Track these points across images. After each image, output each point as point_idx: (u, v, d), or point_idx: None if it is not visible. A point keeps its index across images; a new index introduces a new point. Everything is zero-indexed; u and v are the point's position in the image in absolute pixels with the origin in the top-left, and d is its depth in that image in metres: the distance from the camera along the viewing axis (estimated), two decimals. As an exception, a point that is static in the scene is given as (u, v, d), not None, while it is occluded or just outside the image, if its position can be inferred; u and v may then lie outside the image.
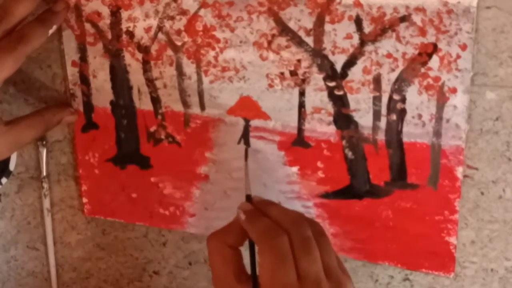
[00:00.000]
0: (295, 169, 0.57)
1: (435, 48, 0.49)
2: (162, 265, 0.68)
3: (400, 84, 0.51)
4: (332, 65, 0.53)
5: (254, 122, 0.57)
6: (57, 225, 0.70)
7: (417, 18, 0.49)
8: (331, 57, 0.52)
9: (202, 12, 0.55)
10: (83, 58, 0.61)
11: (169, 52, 0.57)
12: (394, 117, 0.52)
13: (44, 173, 0.67)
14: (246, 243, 0.51)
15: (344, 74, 0.53)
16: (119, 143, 0.63)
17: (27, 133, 0.59)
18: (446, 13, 0.48)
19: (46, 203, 0.68)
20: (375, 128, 0.53)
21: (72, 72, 0.62)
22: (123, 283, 0.71)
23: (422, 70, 0.50)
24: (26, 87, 0.65)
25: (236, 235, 0.51)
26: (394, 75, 0.51)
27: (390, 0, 0.49)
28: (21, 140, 0.59)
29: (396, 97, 0.52)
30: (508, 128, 0.51)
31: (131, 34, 0.58)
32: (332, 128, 0.55)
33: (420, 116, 0.52)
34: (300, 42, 0.53)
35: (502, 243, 0.54)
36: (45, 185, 0.68)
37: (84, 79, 0.61)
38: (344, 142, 0.55)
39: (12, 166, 0.65)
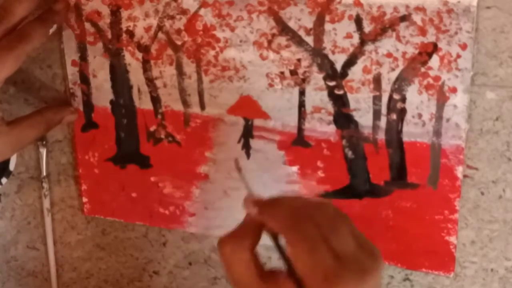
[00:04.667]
0: (295, 168, 0.57)
1: (435, 47, 0.49)
2: (162, 265, 0.68)
3: (400, 84, 0.51)
4: (332, 65, 0.53)
5: (254, 122, 0.57)
6: (57, 225, 0.70)
7: (417, 18, 0.49)
8: (331, 57, 0.52)
9: (202, 11, 0.55)
10: (83, 58, 0.61)
11: (169, 51, 0.57)
12: (394, 116, 0.52)
13: (44, 173, 0.67)
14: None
15: (344, 73, 0.53)
16: (119, 143, 0.63)
17: (29, 133, 0.59)
18: (446, 12, 0.48)
19: (46, 203, 0.68)
20: (375, 127, 0.53)
21: (72, 72, 0.62)
22: (123, 283, 0.70)
23: (422, 69, 0.50)
24: (26, 87, 0.65)
25: (252, 235, 0.47)
26: (394, 75, 0.51)
27: (390, 0, 0.49)
28: (23, 140, 0.59)
29: (396, 96, 0.52)
30: (508, 128, 0.51)
31: (131, 34, 0.58)
32: (332, 128, 0.55)
33: (420, 115, 0.52)
34: (300, 42, 0.53)
35: (502, 243, 0.54)
36: (45, 185, 0.68)
37: (84, 79, 0.62)
38: (344, 142, 0.55)
39: (12, 166, 0.65)
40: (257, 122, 0.57)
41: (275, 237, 0.47)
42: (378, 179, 0.55)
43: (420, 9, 0.49)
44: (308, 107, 0.55)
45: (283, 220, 0.46)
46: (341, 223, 0.46)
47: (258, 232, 0.47)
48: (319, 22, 0.52)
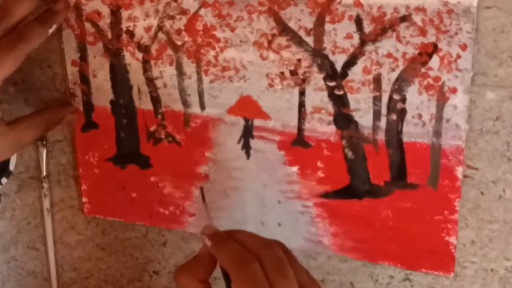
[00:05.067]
0: (295, 168, 0.57)
1: (435, 48, 0.49)
2: (162, 265, 0.68)
3: (400, 84, 0.51)
4: (332, 65, 0.53)
5: (254, 122, 0.57)
6: (57, 225, 0.70)
7: (417, 18, 0.49)
8: (331, 57, 0.52)
9: (202, 11, 0.55)
10: (83, 58, 0.61)
11: (169, 51, 0.57)
12: (394, 117, 0.52)
13: (44, 173, 0.67)
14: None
15: (344, 74, 0.53)
16: (119, 143, 0.63)
17: (29, 133, 0.59)
18: (446, 13, 0.48)
19: (46, 203, 0.68)
20: (375, 128, 0.53)
21: (72, 72, 0.62)
22: (123, 283, 0.71)
23: (422, 70, 0.50)
24: (26, 87, 0.65)
25: (205, 267, 0.49)
26: (394, 75, 0.51)
27: (391, 0, 0.49)
28: (23, 140, 0.59)
29: (396, 97, 0.52)
30: (508, 128, 0.50)
31: (131, 34, 0.58)
32: (332, 128, 0.55)
33: (420, 116, 0.52)
34: (300, 42, 0.53)
35: (502, 243, 0.54)
36: (45, 185, 0.68)
37: (84, 79, 0.62)
38: (344, 142, 0.55)
39: (12, 166, 0.65)
40: (257, 122, 0.57)
41: (226, 274, 0.48)
42: (378, 180, 0.55)
43: (420, 9, 0.49)
44: (308, 107, 0.55)
45: (231, 260, 0.47)
46: (288, 267, 0.47)
47: (213, 264, 0.49)
48: (319, 22, 0.52)
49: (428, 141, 0.52)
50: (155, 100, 0.60)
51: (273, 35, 0.54)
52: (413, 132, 0.52)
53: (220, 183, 0.60)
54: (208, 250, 0.49)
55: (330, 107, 0.54)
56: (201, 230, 0.51)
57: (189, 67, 0.57)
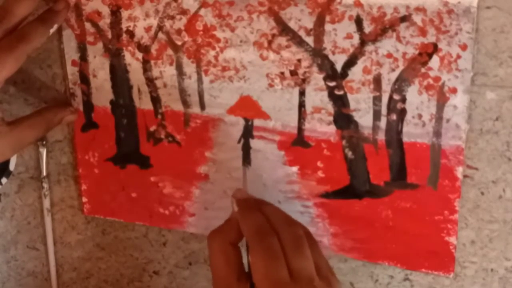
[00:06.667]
0: (295, 169, 0.57)
1: (435, 48, 0.49)
2: (162, 265, 0.68)
3: (400, 84, 0.51)
4: (332, 65, 0.53)
5: (254, 122, 0.57)
6: (57, 225, 0.70)
7: (417, 18, 0.49)
8: (331, 57, 0.53)
9: (202, 11, 0.55)
10: (83, 58, 0.61)
11: (169, 51, 0.57)
12: (394, 117, 0.52)
13: (44, 173, 0.67)
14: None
15: (344, 74, 0.53)
16: (119, 143, 0.63)
17: (29, 134, 0.59)
18: (446, 13, 0.48)
19: (46, 203, 0.68)
20: (375, 128, 0.53)
21: (72, 72, 0.62)
22: (123, 283, 0.71)
23: (422, 70, 0.50)
24: (26, 87, 0.65)
25: (236, 230, 0.51)
26: (394, 75, 0.51)
27: (391, 0, 0.49)
28: (23, 140, 0.59)
29: (396, 97, 0.52)
30: (508, 128, 0.51)
31: (131, 34, 0.58)
32: (332, 128, 0.55)
33: (420, 116, 0.52)
34: (300, 42, 0.53)
35: (502, 243, 0.54)
36: (45, 185, 0.68)
37: (84, 79, 0.62)
38: (344, 142, 0.55)
39: (12, 166, 0.65)
40: (257, 122, 0.57)
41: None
42: (378, 180, 0.55)
43: (420, 9, 0.49)
44: (308, 108, 0.55)
45: (252, 230, 0.49)
46: (306, 247, 0.49)
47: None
48: (319, 22, 0.52)
49: (428, 141, 0.52)
50: (155, 100, 0.60)
51: (273, 35, 0.54)
52: (413, 132, 0.52)
53: (220, 183, 0.60)
54: (234, 213, 0.52)
55: (330, 107, 0.54)
56: (233, 192, 0.53)
57: (189, 67, 0.57)
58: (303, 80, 0.54)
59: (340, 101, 0.54)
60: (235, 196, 0.53)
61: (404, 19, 0.49)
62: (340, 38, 0.52)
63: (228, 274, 0.50)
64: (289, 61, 0.54)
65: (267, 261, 0.47)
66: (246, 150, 0.58)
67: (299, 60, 0.54)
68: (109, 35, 0.59)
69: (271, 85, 0.55)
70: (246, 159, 0.58)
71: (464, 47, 0.49)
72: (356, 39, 0.51)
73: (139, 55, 0.59)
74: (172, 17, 0.56)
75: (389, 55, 0.51)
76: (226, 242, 0.51)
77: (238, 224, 0.51)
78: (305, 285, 0.47)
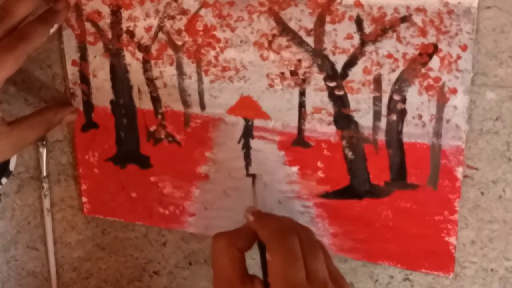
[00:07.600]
0: (295, 169, 0.57)
1: (435, 48, 0.49)
2: (162, 265, 0.68)
3: (400, 85, 0.51)
4: (332, 65, 0.53)
5: (254, 122, 0.57)
6: (57, 225, 0.70)
7: (417, 19, 0.49)
8: (331, 57, 0.53)
9: (202, 11, 0.55)
10: (83, 58, 0.61)
11: (170, 51, 0.57)
12: (394, 117, 0.52)
13: (44, 173, 0.67)
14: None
15: (344, 74, 0.53)
16: (119, 143, 0.63)
17: (29, 134, 0.59)
18: (446, 13, 0.48)
19: (46, 203, 0.68)
20: (375, 128, 0.53)
21: (72, 72, 0.62)
22: (123, 283, 0.71)
23: (423, 70, 0.50)
24: (26, 87, 0.65)
25: (246, 239, 0.51)
26: (394, 76, 0.51)
27: (391, 1, 0.49)
28: (24, 140, 0.59)
29: (396, 97, 0.52)
30: (508, 128, 0.51)
31: (131, 34, 0.58)
32: (332, 128, 0.55)
33: (420, 116, 0.52)
34: (300, 42, 0.53)
35: (502, 243, 0.54)
36: (45, 185, 0.68)
37: (84, 79, 0.62)
38: (344, 142, 0.55)
39: (12, 166, 0.65)
40: (257, 122, 0.57)
41: (262, 247, 0.50)
42: (378, 180, 0.55)
43: (420, 10, 0.49)
44: (308, 108, 0.55)
45: (272, 231, 0.50)
46: (320, 251, 0.50)
47: (252, 239, 0.51)
48: (320, 22, 0.52)
49: (428, 142, 0.52)
50: (155, 100, 0.60)
51: (274, 36, 0.54)
52: (413, 132, 0.52)
53: (220, 183, 0.60)
54: (249, 225, 0.52)
55: (330, 108, 0.54)
56: (246, 209, 0.53)
57: (189, 67, 0.57)
58: (303, 80, 0.54)
59: (340, 102, 0.54)
60: (249, 210, 0.53)
61: (404, 19, 0.49)
62: (340, 38, 0.52)
63: (233, 275, 0.50)
64: (289, 61, 0.54)
65: (286, 260, 0.47)
66: (246, 150, 0.58)
67: (299, 60, 0.54)
68: (109, 35, 0.59)
69: (271, 85, 0.55)
70: (246, 159, 0.58)
71: (464, 48, 0.49)
72: (356, 40, 0.51)
73: (139, 55, 0.59)
74: (173, 17, 0.56)
75: (389, 56, 0.51)
76: (233, 244, 0.50)
77: (249, 234, 0.51)
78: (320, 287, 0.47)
